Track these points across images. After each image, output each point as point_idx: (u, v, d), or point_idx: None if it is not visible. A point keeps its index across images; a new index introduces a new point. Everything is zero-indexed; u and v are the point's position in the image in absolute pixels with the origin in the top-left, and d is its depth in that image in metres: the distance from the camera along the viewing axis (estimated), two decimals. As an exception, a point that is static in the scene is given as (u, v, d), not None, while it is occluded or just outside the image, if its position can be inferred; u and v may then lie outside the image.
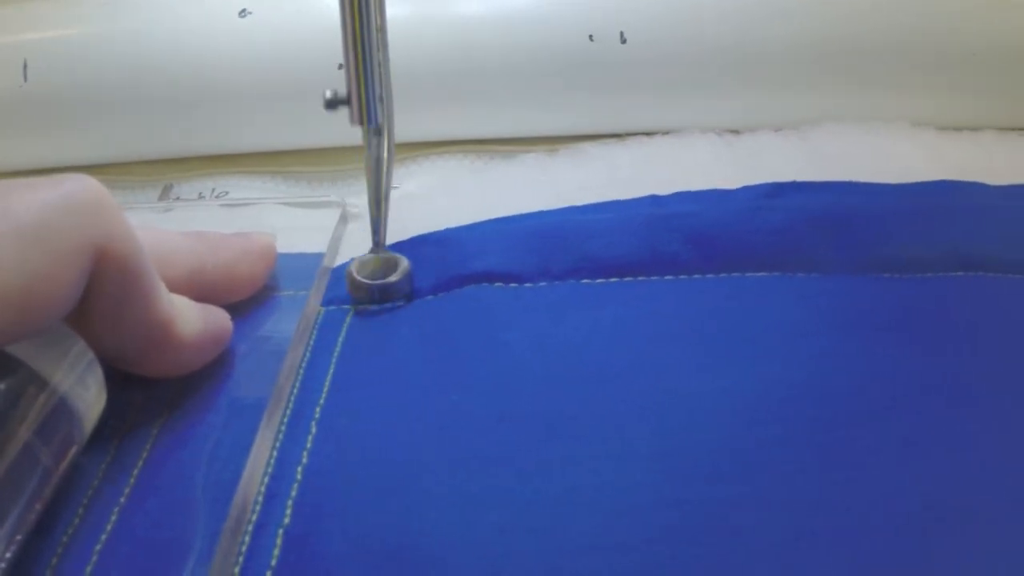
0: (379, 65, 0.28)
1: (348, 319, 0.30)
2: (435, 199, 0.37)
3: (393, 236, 0.33)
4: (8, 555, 0.19)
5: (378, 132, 0.29)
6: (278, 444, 0.25)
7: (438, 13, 0.39)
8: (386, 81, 0.28)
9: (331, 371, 0.28)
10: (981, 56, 0.40)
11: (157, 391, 0.26)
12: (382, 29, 0.27)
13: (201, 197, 0.41)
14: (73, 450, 0.22)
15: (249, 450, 0.24)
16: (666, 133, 0.39)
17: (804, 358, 0.27)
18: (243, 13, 0.39)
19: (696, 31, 0.39)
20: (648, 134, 0.39)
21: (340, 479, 0.24)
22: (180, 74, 0.40)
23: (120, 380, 0.25)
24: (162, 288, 0.24)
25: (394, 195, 0.32)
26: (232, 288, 0.29)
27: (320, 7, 0.40)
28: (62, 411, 0.22)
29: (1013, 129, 0.42)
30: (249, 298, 0.30)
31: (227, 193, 0.41)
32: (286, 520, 0.23)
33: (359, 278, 0.30)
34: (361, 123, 0.28)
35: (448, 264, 0.32)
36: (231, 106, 0.40)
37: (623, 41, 0.38)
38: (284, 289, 0.31)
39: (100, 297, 0.22)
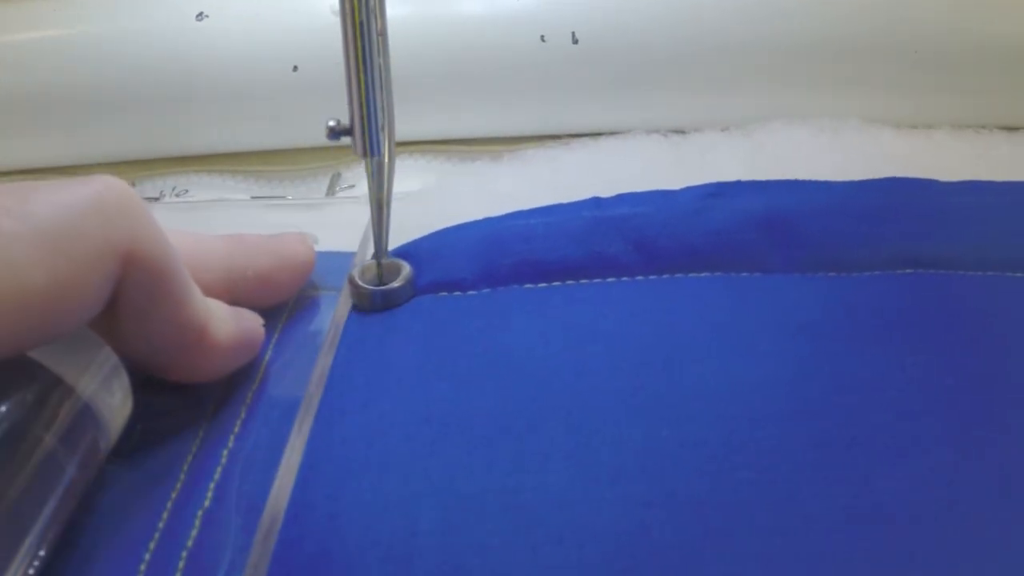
0: (382, 93, 0.28)
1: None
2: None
3: (348, 240, 0.33)
4: (34, 567, 0.19)
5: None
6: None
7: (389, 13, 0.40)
8: (387, 85, 0.28)
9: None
10: (934, 54, 0.40)
11: (188, 397, 0.26)
12: (383, 33, 0.27)
13: (162, 195, 0.41)
14: (98, 458, 0.22)
15: (280, 459, 0.24)
16: (612, 134, 0.39)
17: (745, 357, 0.27)
18: (200, 16, 0.40)
19: (647, 32, 0.39)
20: (595, 135, 0.40)
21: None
22: (140, 77, 0.40)
23: (150, 386, 0.25)
24: (195, 291, 0.24)
25: (342, 196, 0.33)
26: (269, 295, 0.29)
27: (276, 11, 0.40)
28: (87, 417, 0.21)
29: (968, 126, 0.42)
30: None
31: (187, 191, 0.41)
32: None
33: (361, 284, 0.30)
34: (364, 155, 0.28)
35: None
36: (190, 108, 0.41)
37: (575, 42, 0.39)
38: (317, 288, 0.31)
39: (129, 301, 0.22)
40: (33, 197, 0.20)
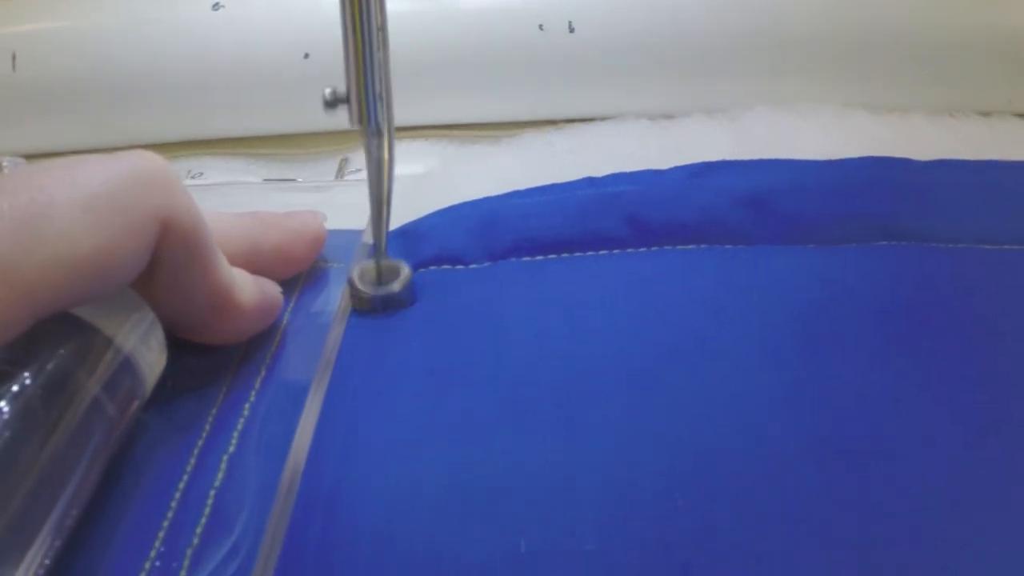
0: (379, 65, 0.27)
1: None
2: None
3: (354, 221, 0.35)
4: (81, 499, 0.21)
5: (378, 133, 0.29)
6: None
7: (390, 5, 0.42)
8: (386, 81, 0.28)
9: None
10: (910, 44, 0.43)
11: (213, 357, 0.28)
12: (383, 28, 0.27)
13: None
14: (135, 405, 0.24)
15: (300, 411, 0.26)
16: (605, 119, 0.42)
17: (726, 322, 0.29)
18: (216, 6, 0.42)
19: (640, 22, 0.41)
20: (587, 120, 0.42)
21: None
22: (159, 65, 0.42)
23: (179, 346, 0.26)
24: (222, 259, 0.25)
25: (350, 179, 0.34)
26: (285, 267, 0.31)
27: (288, 1, 0.42)
28: (126, 369, 0.23)
29: (943, 111, 0.44)
30: None
31: (202, 174, 0.43)
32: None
33: (361, 289, 0.31)
34: (360, 123, 0.28)
35: (406, 252, 0.34)
36: (206, 95, 0.43)
37: (571, 31, 0.41)
38: (327, 261, 0.33)
39: (165, 265, 0.23)
40: (80, 170, 0.22)
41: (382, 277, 0.31)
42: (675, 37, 0.41)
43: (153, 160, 0.23)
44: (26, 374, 0.20)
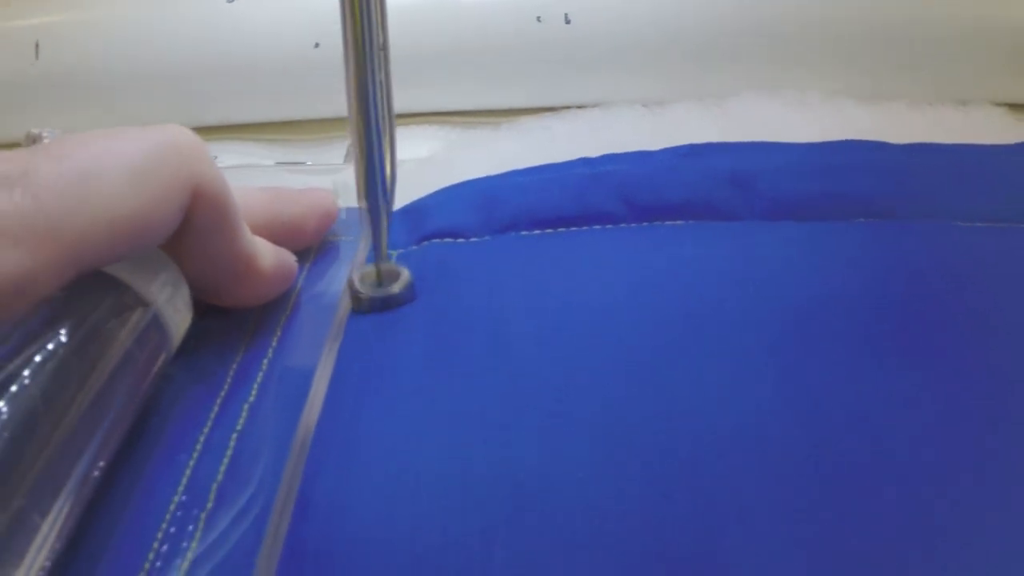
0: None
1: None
2: (399, 166, 0.42)
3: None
4: (115, 440, 0.23)
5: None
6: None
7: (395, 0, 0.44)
8: (388, 100, 0.28)
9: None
10: (892, 34, 0.45)
11: (232, 319, 0.30)
12: (384, 47, 0.28)
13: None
14: (163, 357, 0.26)
15: (316, 367, 0.28)
16: (598, 106, 0.44)
17: (710, 289, 0.31)
18: (231, -1, 0.44)
19: (633, 13, 0.43)
20: (581, 107, 0.44)
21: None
22: (176, 55, 0.45)
23: (202, 308, 0.28)
24: (245, 228, 0.27)
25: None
26: (299, 239, 0.33)
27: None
28: (155, 324, 0.25)
29: (923, 100, 0.46)
30: None
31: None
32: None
33: (361, 291, 0.31)
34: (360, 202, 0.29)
35: (412, 227, 0.36)
36: (222, 82, 0.45)
37: (567, 22, 0.43)
38: (337, 235, 0.35)
39: (193, 230, 0.25)
40: (119, 140, 0.24)
41: (382, 280, 0.31)
42: (666, 28, 0.44)
43: (185, 133, 0.25)
44: (67, 324, 0.22)
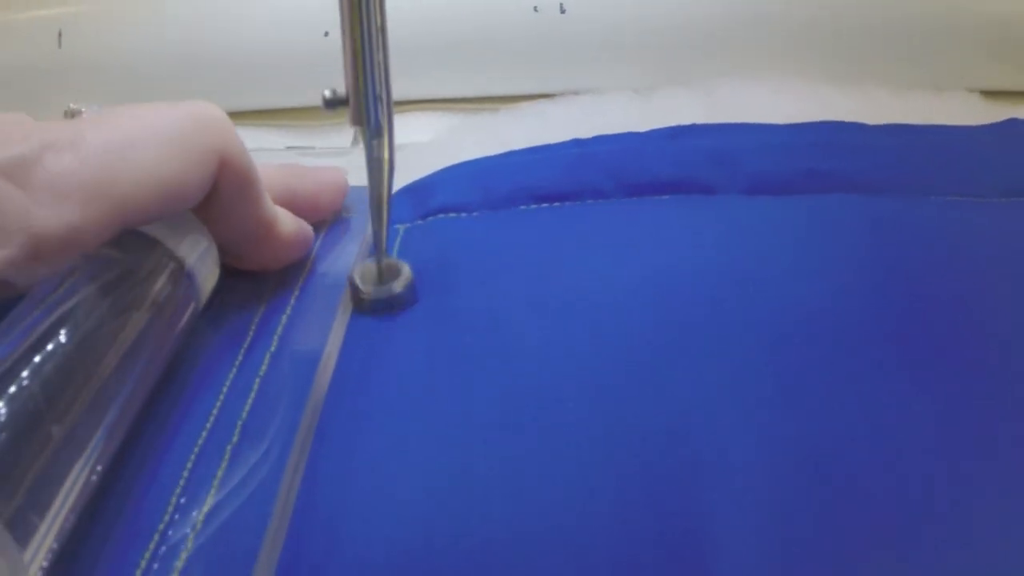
0: (379, 65, 0.27)
1: (399, 238, 0.36)
2: (405, 149, 0.45)
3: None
4: (151, 377, 0.25)
5: (378, 133, 0.29)
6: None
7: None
8: (386, 82, 0.28)
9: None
10: (871, 23, 0.47)
11: (253, 281, 0.32)
12: (382, 29, 0.27)
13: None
14: (192, 308, 0.28)
15: (332, 322, 0.30)
16: (589, 92, 0.46)
17: (691, 251, 0.33)
18: (244, -10, 0.47)
19: (625, 3, 0.46)
20: (576, 93, 0.46)
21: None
22: (191, 45, 0.47)
23: (225, 272, 0.31)
24: (267, 195, 0.29)
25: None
26: (314, 212, 0.35)
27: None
28: (188, 281, 0.28)
29: (900, 87, 0.49)
30: None
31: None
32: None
33: (362, 290, 0.31)
34: (359, 123, 0.28)
35: (416, 204, 0.38)
36: (235, 70, 0.48)
37: (562, 11, 0.45)
38: (348, 211, 0.37)
39: (220, 195, 0.28)
40: (156, 113, 0.26)
41: (383, 277, 0.31)
42: (656, 18, 0.46)
43: (213, 108, 0.28)
44: (109, 275, 0.25)
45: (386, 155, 0.29)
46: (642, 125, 0.41)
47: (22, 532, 0.17)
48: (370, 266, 0.31)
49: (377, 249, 0.31)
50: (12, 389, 0.19)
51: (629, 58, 0.47)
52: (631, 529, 0.23)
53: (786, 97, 0.45)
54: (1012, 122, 0.43)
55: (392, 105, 0.28)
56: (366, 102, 0.27)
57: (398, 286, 0.31)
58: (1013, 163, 0.40)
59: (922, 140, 0.41)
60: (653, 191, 0.38)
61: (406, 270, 0.31)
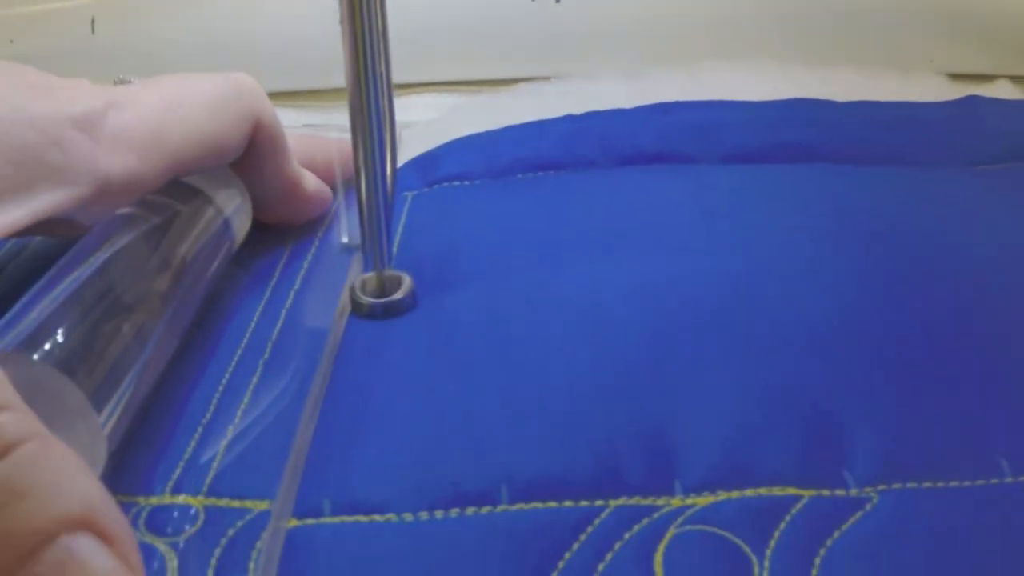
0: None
1: (407, 205, 0.39)
2: (413, 127, 0.48)
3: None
4: (193, 307, 0.28)
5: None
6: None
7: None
8: (388, 93, 0.28)
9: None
10: (843, 7, 0.51)
11: (277, 233, 0.36)
12: (383, 33, 0.28)
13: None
14: (227, 246, 0.31)
15: (349, 263, 0.34)
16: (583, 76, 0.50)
17: (672, 213, 0.36)
18: (263, -20, 0.51)
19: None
20: (570, 76, 0.50)
21: None
22: (216, 32, 0.51)
23: (253, 225, 0.34)
24: (293, 157, 0.33)
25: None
26: (330, 176, 0.38)
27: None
28: (225, 228, 0.31)
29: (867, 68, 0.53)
30: None
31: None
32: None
33: (362, 297, 0.31)
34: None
35: (423, 173, 0.42)
36: (255, 55, 0.52)
37: (557, 1, 0.49)
38: None
39: (254, 153, 0.32)
40: (199, 79, 0.31)
41: (384, 288, 0.31)
42: (643, 7, 0.50)
43: (248, 77, 0.32)
44: (162, 216, 0.29)
45: (389, 170, 0.29)
46: (630, 103, 0.45)
47: (100, 404, 0.21)
48: (371, 278, 0.31)
49: (380, 259, 0.31)
50: (93, 294, 0.23)
51: (619, 44, 0.51)
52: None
53: (762, 78, 0.49)
54: (971, 99, 0.47)
55: (393, 105, 0.29)
56: (367, 101, 0.28)
57: (399, 294, 0.31)
58: (974, 135, 0.43)
59: (888, 114, 0.45)
60: (639, 161, 0.41)
61: (407, 280, 0.31)
